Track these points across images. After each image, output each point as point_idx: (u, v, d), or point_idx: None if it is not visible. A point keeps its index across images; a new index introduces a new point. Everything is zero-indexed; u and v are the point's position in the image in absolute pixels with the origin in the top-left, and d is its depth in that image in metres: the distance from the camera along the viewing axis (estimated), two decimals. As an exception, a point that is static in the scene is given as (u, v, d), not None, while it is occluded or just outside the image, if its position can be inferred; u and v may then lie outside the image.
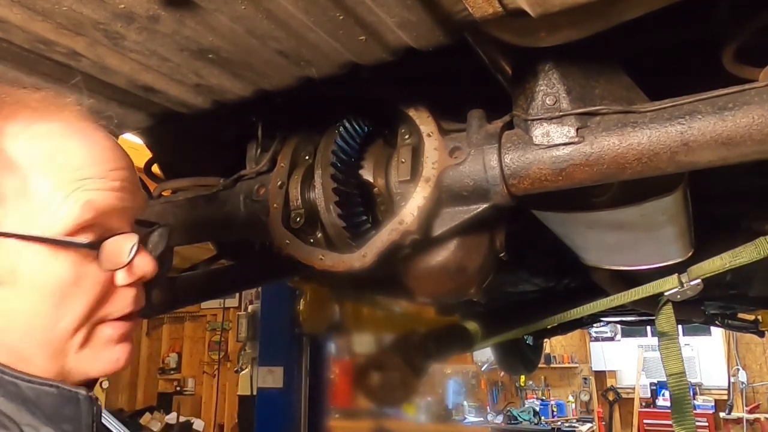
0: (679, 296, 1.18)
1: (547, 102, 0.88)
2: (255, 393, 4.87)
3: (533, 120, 0.89)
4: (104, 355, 0.65)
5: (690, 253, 1.38)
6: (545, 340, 5.78)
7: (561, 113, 0.87)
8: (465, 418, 9.12)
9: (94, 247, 0.61)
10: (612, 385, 9.21)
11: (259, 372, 4.66)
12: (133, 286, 0.65)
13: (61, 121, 0.62)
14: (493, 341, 2.77)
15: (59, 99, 0.64)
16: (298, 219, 1.05)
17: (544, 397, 9.55)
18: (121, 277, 0.64)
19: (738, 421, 8.00)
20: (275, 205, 1.09)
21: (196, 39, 0.83)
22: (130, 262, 0.63)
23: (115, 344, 0.66)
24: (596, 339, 9.36)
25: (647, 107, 0.83)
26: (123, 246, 0.63)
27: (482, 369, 9.39)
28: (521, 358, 4.15)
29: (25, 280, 0.58)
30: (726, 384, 8.33)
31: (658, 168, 0.83)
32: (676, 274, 1.19)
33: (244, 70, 0.94)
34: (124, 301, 0.65)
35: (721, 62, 0.91)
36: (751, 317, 3.46)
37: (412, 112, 1.01)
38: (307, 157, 1.12)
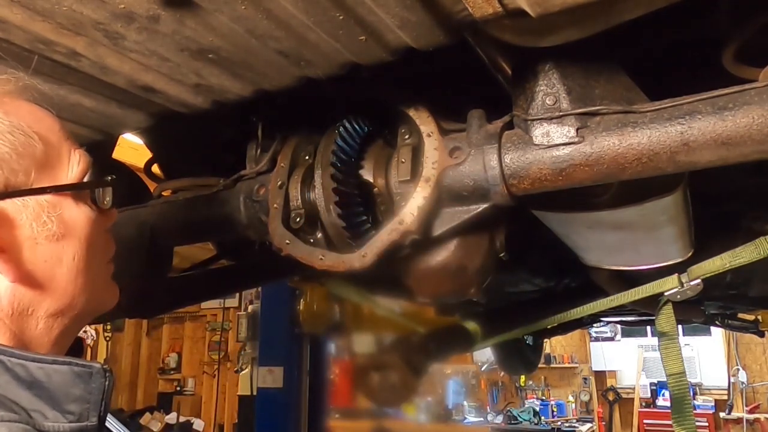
0: (679, 296, 1.18)
1: (547, 102, 0.88)
2: (255, 393, 4.87)
3: (533, 120, 0.89)
4: (113, 290, 0.73)
5: (690, 253, 1.38)
6: (545, 340, 5.78)
7: (561, 113, 0.87)
8: (465, 418, 9.12)
9: (114, 182, 0.71)
10: (612, 385, 9.21)
11: (259, 372, 4.66)
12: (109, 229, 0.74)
13: (18, 96, 0.67)
14: (493, 341, 2.76)
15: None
16: (298, 219, 1.05)
17: (544, 397, 9.55)
18: (110, 219, 0.73)
19: (738, 421, 8.00)
20: (275, 205, 1.09)
21: (196, 39, 0.83)
22: (114, 205, 0.72)
23: (112, 281, 0.74)
24: (596, 339, 9.35)
25: (647, 107, 0.83)
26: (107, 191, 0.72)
27: (482, 369, 9.39)
28: (521, 358, 4.14)
29: (69, 231, 0.65)
30: (726, 384, 8.33)
31: (658, 168, 0.83)
32: (676, 274, 1.19)
33: (244, 70, 0.94)
34: (112, 243, 0.74)
35: (721, 62, 0.91)
36: (751, 317, 3.46)
37: (412, 112, 1.01)
38: (307, 157, 1.12)
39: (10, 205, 0.61)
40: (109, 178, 0.71)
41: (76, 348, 0.72)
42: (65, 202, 0.65)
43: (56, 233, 0.64)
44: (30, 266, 0.62)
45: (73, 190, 0.66)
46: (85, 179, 0.69)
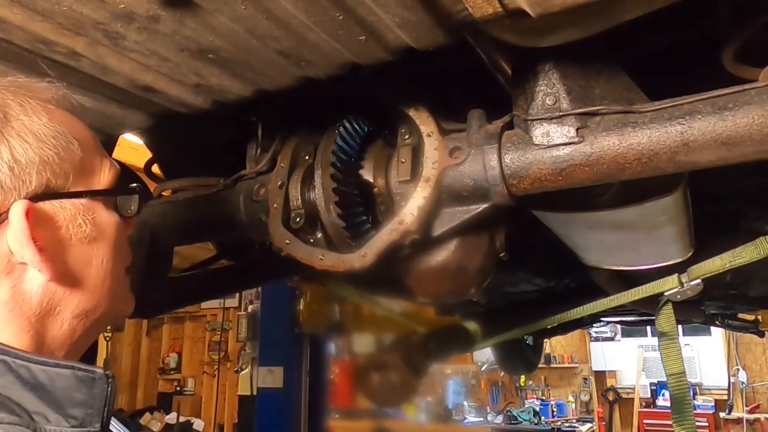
0: (679, 296, 1.18)
1: (547, 102, 0.88)
2: (255, 393, 4.87)
3: (533, 120, 0.89)
4: (131, 297, 0.76)
5: (690, 253, 1.38)
6: (545, 340, 5.77)
7: (561, 113, 0.87)
8: (465, 418, 9.12)
9: (141, 191, 0.73)
10: (612, 385, 9.20)
11: (259, 372, 4.66)
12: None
13: (58, 105, 0.69)
14: (493, 341, 2.76)
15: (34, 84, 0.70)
16: (298, 219, 1.05)
17: (544, 397, 9.55)
18: (131, 227, 0.75)
19: (738, 421, 8.00)
20: (275, 205, 1.09)
21: (196, 39, 0.83)
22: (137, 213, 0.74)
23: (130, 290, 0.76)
24: (596, 339, 9.35)
25: (647, 107, 0.83)
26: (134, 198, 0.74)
27: (482, 369, 9.39)
28: (521, 358, 4.15)
29: (100, 235, 0.68)
30: (726, 384, 8.33)
31: (658, 168, 0.83)
32: (676, 274, 1.19)
33: (244, 70, 0.94)
34: (130, 252, 0.75)
35: (721, 62, 0.91)
36: (751, 317, 3.46)
37: (412, 112, 1.01)
38: (307, 157, 1.12)
39: (49, 206, 0.64)
40: (137, 186, 0.74)
41: (90, 351, 0.73)
42: (98, 206, 0.68)
43: (89, 236, 0.66)
44: (64, 266, 0.65)
45: (107, 196, 0.70)
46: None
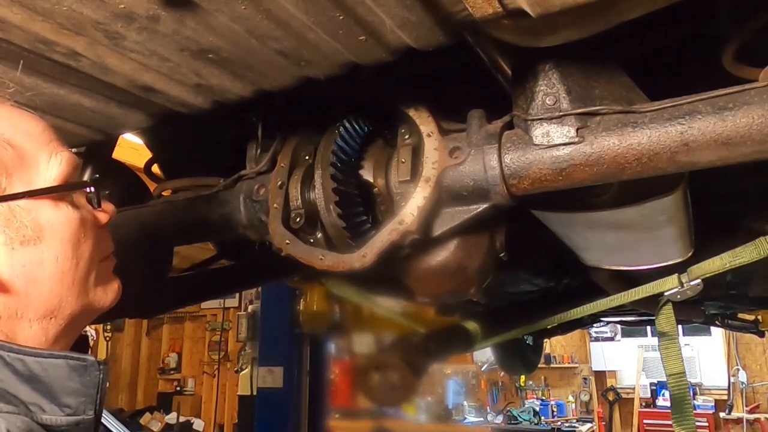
0: (679, 296, 1.18)
1: (547, 102, 0.88)
2: (255, 393, 4.88)
3: (533, 120, 0.89)
4: (110, 287, 0.73)
5: (690, 253, 1.38)
6: (545, 340, 5.78)
7: (561, 113, 0.87)
8: (465, 418, 9.12)
9: (93, 185, 0.71)
10: (612, 385, 9.21)
11: (259, 372, 4.67)
12: (105, 227, 0.74)
13: None
14: (493, 341, 2.76)
15: None
16: (298, 219, 1.05)
17: (544, 397, 9.55)
18: (103, 218, 0.73)
19: (738, 421, 8.00)
20: (275, 205, 1.09)
21: (196, 39, 0.83)
22: (106, 203, 0.72)
23: (112, 277, 0.74)
24: (596, 339, 9.36)
25: (647, 107, 0.83)
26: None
27: (482, 369, 9.39)
28: (521, 358, 4.15)
29: (47, 233, 0.65)
30: (726, 384, 8.33)
31: (658, 168, 0.83)
32: (676, 274, 1.19)
33: (244, 70, 0.94)
34: (107, 240, 0.74)
35: (721, 62, 0.91)
36: (751, 317, 3.46)
37: (412, 112, 1.01)
38: (307, 157, 1.12)
39: None
40: (87, 179, 0.71)
41: (82, 345, 0.72)
42: (42, 205, 0.65)
43: (32, 237, 0.63)
44: (8, 271, 0.62)
45: (44, 194, 0.65)
46: (79, 179, 0.70)
